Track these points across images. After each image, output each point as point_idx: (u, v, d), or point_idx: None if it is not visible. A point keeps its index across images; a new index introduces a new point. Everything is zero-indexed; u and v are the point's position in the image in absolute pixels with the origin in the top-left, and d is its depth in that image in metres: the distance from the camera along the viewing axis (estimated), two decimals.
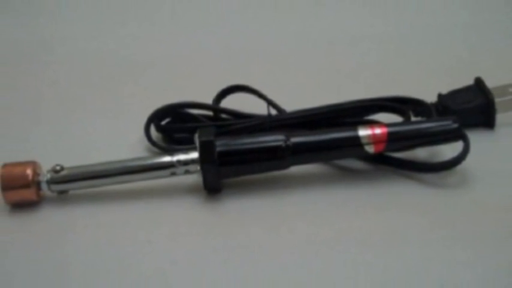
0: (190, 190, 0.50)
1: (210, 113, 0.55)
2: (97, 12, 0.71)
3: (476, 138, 0.50)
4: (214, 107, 0.55)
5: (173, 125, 0.55)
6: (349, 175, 0.51)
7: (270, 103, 0.53)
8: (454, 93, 0.55)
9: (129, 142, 0.54)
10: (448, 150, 0.50)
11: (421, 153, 0.52)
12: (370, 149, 0.49)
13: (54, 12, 0.72)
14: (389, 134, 0.49)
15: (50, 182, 0.49)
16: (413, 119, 0.53)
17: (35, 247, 0.47)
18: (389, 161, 0.51)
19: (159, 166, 0.49)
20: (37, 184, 0.49)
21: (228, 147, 0.49)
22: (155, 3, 0.72)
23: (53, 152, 0.53)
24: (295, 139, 0.49)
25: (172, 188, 0.50)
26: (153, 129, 0.54)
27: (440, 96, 0.55)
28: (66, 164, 0.49)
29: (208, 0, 0.72)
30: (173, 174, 0.49)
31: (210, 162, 0.48)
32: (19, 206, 0.49)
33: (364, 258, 0.45)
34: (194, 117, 0.54)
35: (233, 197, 0.50)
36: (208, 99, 0.55)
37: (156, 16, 0.71)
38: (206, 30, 0.69)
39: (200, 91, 0.55)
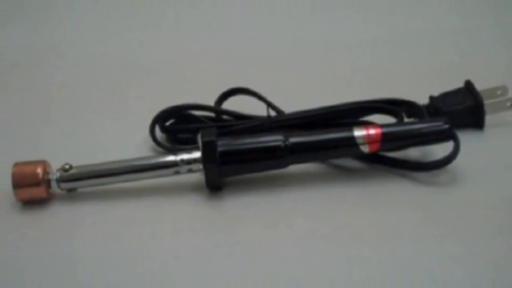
0: (193, 188, 0.50)
1: (212, 114, 0.55)
2: (104, 18, 0.71)
3: (466, 138, 0.49)
4: (216, 108, 0.55)
5: (177, 125, 0.54)
6: (345, 174, 0.51)
7: (270, 105, 0.53)
8: (445, 96, 0.55)
9: (134, 142, 0.54)
10: (440, 150, 0.50)
11: (414, 153, 0.51)
12: (365, 148, 0.49)
13: (63, 18, 0.72)
14: (383, 134, 0.49)
15: (59, 180, 0.49)
16: (406, 120, 0.53)
17: (45, 242, 0.47)
18: (383, 160, 0.51)
19: (163, 165, 0.49)
20: (47, 182, 0.49)
21: (229, 147, 0.49)
22: (160, 11, 0.72)
23: (62, 152, 0.53)
24: (293, 139, 0.49)
25: (176, 186, 0.50)
26: (157, 130, 0.54)
27: (432, 98, 0.55)
28: (75, 163, 0.49)
29: (210, 8, 0.72)
30: (177, 173, 0.49)
31: (212, 162, 0.48)
32: (30, 203, 0.49)
33: (360, 253, 0.45)
34: (197, 119, 0.54)
35: (234, 194, 0.49)
36: (211, 101, 0.55)
37: (161, 22, 0.71)
38: (208, 35, 0.69)
39: (202, 93, 0.55)
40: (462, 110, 0.54)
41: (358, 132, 0.49)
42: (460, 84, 0.55)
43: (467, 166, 0.50)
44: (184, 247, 0.46)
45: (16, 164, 0.49)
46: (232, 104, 0.55)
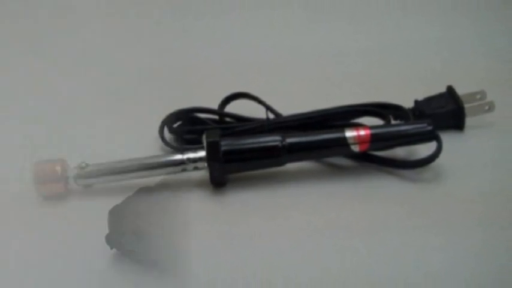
0: (198, 184, 0.50)
1: (216, 117, 0.55)
2: (117, 28, 0.71)
3: (448, 139, 0.50)
4: (220, 111, 0.55)
5: (184, 127, 0.54)
6: (337, 171, 0.51)
7: (269, 108, 0.53)
8: (429, 100, 0.55)
9: (145, 142, 0.54)
10: (424, 150, 0.50)
11: (400, 152, 0.52)
12: (356, 148, 0.49)
13: (81, 29, 0.71)
14: (372, 135, 0.49)
15: (77, 177, 0.49)
16: (393, 122, 0.53)
17: (63, 233, 0.47)
18: (372, 159, 0.51)
19: (171, 163, 0.49)
20: (65, 179, 0.49)
21: (232, 147, 0.49)
22: (168, 22, 0.72)
23: (79, 151, 0.53)
24: (290, 139, 0.49)
25: (183, 182, 0.50)
26: (166, 131, 0.54)
27: (416, 102, 0.55)
28: (91, 161, 0.49)
29: (214, 19, 0.72)
30: (184, 170, 0.49)
31: (216, 160, 0.48)
32: (50, 198, 0.49)
33: (351, 243, 0.45)
34: (202, 121, 0.54)
35: (236, 190, 0.50)
36: (214, 105, 0.55)
37: (169, 32, 0.70)
38: (213, 44, 0.68)
39: (207, 98, 0.55)
40: (444, 112, 0.54)
41: (350, 133, 0.49)
42: (442, 89, 0.55)
43: (449, 164, 0.50)
44: (190, 238, 0.46)
45: (37, 163, 0.49)
46: (235, 108, 0.55)
